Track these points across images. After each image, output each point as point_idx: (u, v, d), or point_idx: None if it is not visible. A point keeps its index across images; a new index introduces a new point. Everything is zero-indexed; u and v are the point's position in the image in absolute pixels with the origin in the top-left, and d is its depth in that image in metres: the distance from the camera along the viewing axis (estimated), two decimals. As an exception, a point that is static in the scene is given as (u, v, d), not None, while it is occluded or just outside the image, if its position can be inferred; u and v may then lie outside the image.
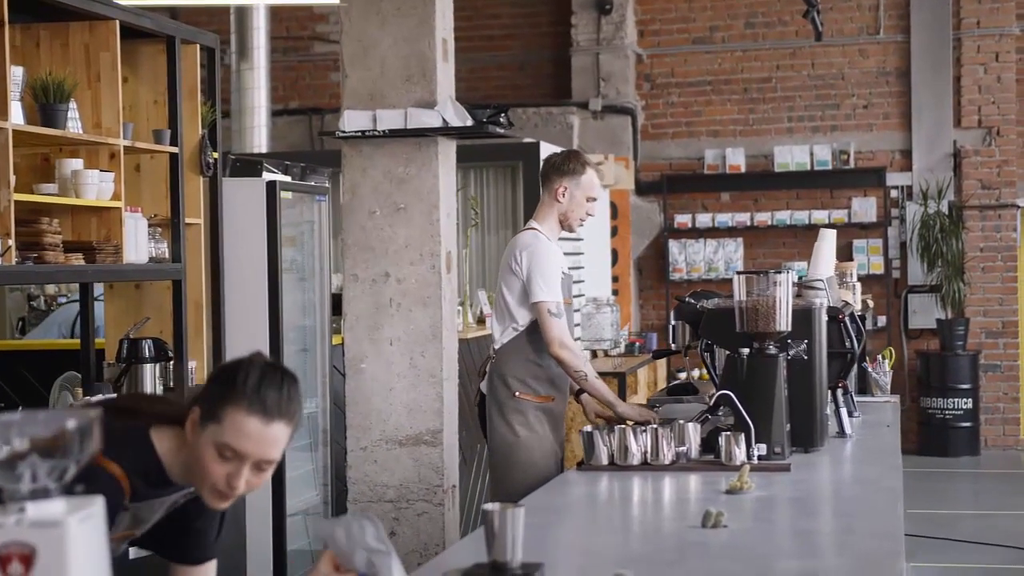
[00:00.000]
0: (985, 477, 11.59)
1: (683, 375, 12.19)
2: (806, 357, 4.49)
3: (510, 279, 5.15)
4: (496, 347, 5.24)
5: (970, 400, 12.14)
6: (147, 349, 5.36)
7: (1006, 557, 8.27)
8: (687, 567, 2.94)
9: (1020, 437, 12.56)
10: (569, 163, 5.25)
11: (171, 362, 5.52)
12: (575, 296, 9.57)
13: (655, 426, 4.30)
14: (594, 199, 5.28)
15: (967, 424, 12.15)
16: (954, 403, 12.12)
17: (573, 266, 10.03)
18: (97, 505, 1.79)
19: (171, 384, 5.56)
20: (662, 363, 11.20)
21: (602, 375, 8.88)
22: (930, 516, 9.48)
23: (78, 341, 5.71)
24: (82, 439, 1.77)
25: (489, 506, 2.75)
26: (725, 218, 12.75)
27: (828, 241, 5.52)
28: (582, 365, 5.07)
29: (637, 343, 11.18)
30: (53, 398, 5.69)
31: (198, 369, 5.81)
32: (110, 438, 2.55)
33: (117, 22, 5.15)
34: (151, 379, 5.37)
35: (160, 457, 2.64)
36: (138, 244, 5.24)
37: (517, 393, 5.14)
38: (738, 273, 4.45)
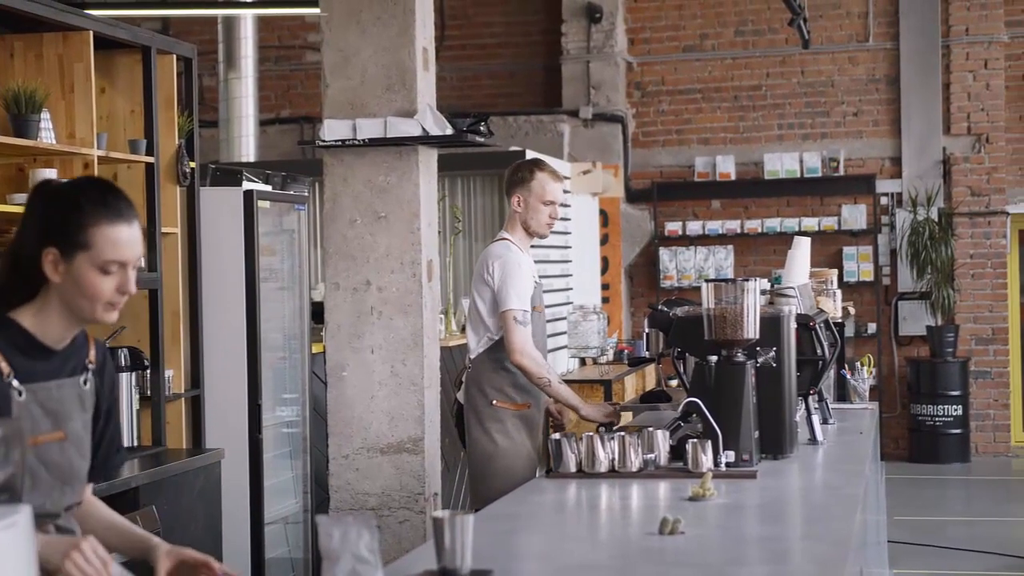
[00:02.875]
0: (975, 484, 11.59)
1: (674, 383, 12.20)
2: (775, 364, 4.51)
3: (482, 289, 5.26)
4: (472, 356, 5.32)
5: (960, 407, 12.15)
6: (123, 358, 5.38)
7: (993, 564, 8.27)
8: (639, 573, 2.95)
9: (1010, 444, 12.56)
10: (518, 173, 5.39)
11: (147, 371, 5.54)
12: (557, 304, 9.64)
13: (623, 434, 4.31)
14: (551, 202, 5.35)
15: (957, 431, 12.16)
16: (944, 410, 12.12)
17: (561, 273, 10.08)
18: (23, 514, 1.81)
19: (148, 393, 5.57)
20: (651, 370, 11.22)
21: (588, 383, 8.96)
22: (919, 523, 9.49)
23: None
24: (7, 448, 1.79)
25: (438, 514, 2.77)
26: (715, 226, 12.76)
27: (802, 249, 5.53)
28: (545, 372, 5.14)
29: (626, 351, 11.20)
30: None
31: (175, 378, 5.82)
32: None
33: (91, 33, 5.17)
34: (127, 388, 5.38)
35: (28, 329, 2.69)
36: (113, 253, 5.25)
37: (494, 402, 5.23)
38: (706, 281, 4.47)
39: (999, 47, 12.47)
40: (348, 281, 5.71)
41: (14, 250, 2.72)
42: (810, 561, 3.04)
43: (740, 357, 4.40)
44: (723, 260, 12.76)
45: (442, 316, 7.99)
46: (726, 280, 4.45)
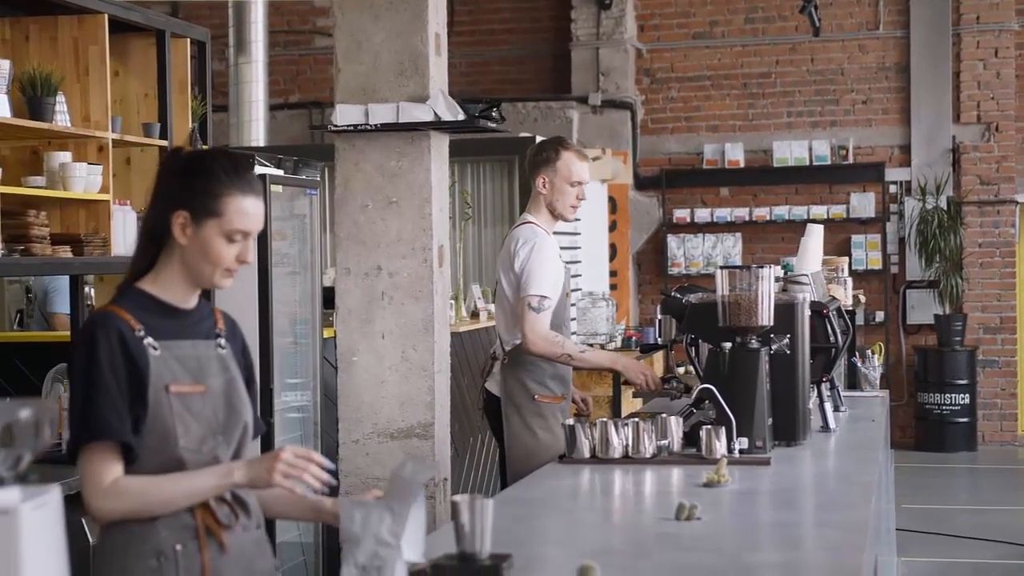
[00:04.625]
0: (982, 472, 11.60)
1: (681, 369, 12.20)
2: (788, 351, 4.50)
3: (511, 277, 5.11)
4: (507, 348, 5.15)
5: (967, 395, 12.15)
6: (136, 342, 5.37)
7: (1000, 552, 8.28)
8: (656, 559, 2.96)
9: (1017, 432, 12.57)
10: (542, 152, 5.21)
11: (160, 354, 5.53)
12: (572, 290, 9.62)
13: (636, 419, 4.31)
14: (578, 183, 5.18)
15: (964, 419, 12.16)
16: (951, 398, 12.13)
17: (570, 260, 10.07)
18: (53, 494, 1.82)
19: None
20: (659, 357, 11.22)
21: (597, 369, 8.92)
22: (926, 511, 9.49)
23: (68, 334, 5.73)
24: (36, 429, 1.80)
25: (457, 498, 2.77)
26: (724, 213, 12.76)
27: (815, 236, 5.53)
28: (560, 349, 5.00)
29: (634, 337, 11.20)
30: (46, 389, 5.71)
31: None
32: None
33: (106, 16, 5.17)
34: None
35: (153, 294, 2.82)
36: (127, 237, 5.26)
37: (537, 396, 5.09)
38: (721, 267, 4.46)
39: (1010, 35, 12.45)
40: (359, 266, 5.71)
41: (147, 217, 2.85)
42: (828, 548, 3.04)
43: (754, 344, 4.39)
44: (731, 248, 12.76)
45: (452, 302, 7.99)
46: (741, 267, 4.44)
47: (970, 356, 12.22)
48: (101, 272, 5.52)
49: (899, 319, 12.62)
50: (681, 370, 11.88)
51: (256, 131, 10.55)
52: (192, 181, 2.80)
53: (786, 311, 4.53)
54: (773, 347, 4.45)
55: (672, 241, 12.83)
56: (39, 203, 4.95)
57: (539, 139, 10.04)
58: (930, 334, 12.49)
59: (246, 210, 2.79)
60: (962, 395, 12.13)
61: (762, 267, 4.41)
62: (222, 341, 2.91)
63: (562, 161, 5.16)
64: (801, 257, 5.46)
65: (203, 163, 2.82)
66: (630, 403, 9.16)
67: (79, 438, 2.73)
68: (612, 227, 12.29)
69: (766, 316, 4.38)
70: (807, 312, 4.67)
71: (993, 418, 12.49)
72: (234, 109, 10.75)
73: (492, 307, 8.34)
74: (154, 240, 2.82)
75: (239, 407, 2.89)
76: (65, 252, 4.93)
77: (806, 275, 5.17)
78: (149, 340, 2.76)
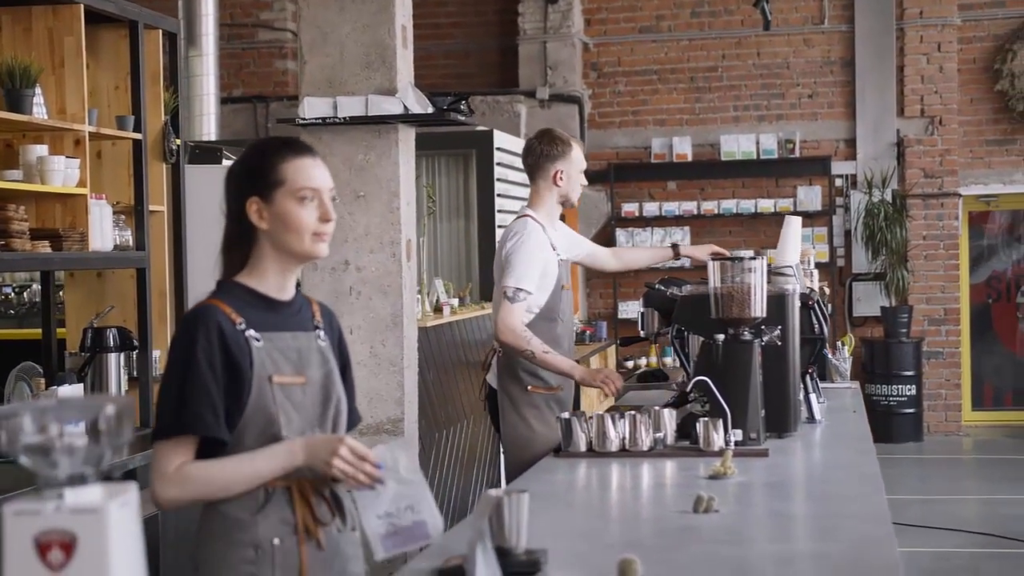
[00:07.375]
0: (928, 463, 11.74)
1: (630, 364, 12.24)
2: (780, 343, 4.51)
3: (499, 268, 5.12)
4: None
5: (913, 387, 12.29)
6: (111, 338, 5.29)
7: (951, 541, 8.39)
8: (688, 551, 2.94)
9: (961, 423, 12.73)
10: (556, 147, 5.22)
11: (135, 351, 5.45)
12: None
13: (633, 413, 4.29)
14: (583, 169, 5.32)
15: (910, 410, 12.30)
16: (898, 390, 12.26)
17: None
18: (132, 492, 1.77)
19: (135, 374, 5.49)
20: (612, 351, 11.27)
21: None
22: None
23: (39, 331, 5.62)
24: (119, 425, 1.75)
25: (494, 492, 2.74)
26: (672, 207, 12.80)
27: (794, 228, 5.55)
28: (525, 344, 4.95)
29: (587, 331, 11.23)
30: (9, 389, 5.60)
31: (162, 358, 5.73)
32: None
33: (81, 6, 5.07)
34: (115, 368, 5.30)
35: (251, 287, 2.85)
36: (103, 231, 5.17)
37: (529, 387, 5.09)
38: (713, 259, 4.46)
39: (952, 30, 12.59)
40: (326, 261, 5.67)
41: (227, 223, 2.89)
42: (857, 540, 3.01)
43: (747, 335, 4.40)
44: (680, 241, 12.79)
45: (417, 297, 7.95)
46: (732, 259, 4.44)
47: (916, 348, 12.36)
48: (80, 267, 5.42)
49: (845, 311, 12.73)
50: (630, 364, 11.93)
51: (208, 125, 10.41)
52: (251, 169, 2.85)
53: (777, 302, 4.54)
54: (765, 338, 4.46)
55: (621, 235, 12.85)
56: (15, 197, 4.84)
57: (497, 133, 10.03)
58: (876, 326, 12.62)
59: (305, 168, 2.83)
60: (908, 386, 12.27)
61: (754, 258, 4.42)
62: (321, 333, 2.92)
63: (574, 152, 5.25)
64: (781, 249, 5.48)
65: (252, 151, 2.89)
66: (590, 401, 9.16)
67: (168, 429, 2.74)
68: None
69: (759, 308, 4.39)
70: (797, 303, 4.69)
71: (938, 408, 12.64)
72: (184, 103, 10.58)
73: (455, 302, 8.31)
74: (242, 238, 2.85)
75: (335, 399, 2.90)
76: (44, 247, 4.83)
77: (790, 267, 5.19)
78: (251, 332, 2.79)
